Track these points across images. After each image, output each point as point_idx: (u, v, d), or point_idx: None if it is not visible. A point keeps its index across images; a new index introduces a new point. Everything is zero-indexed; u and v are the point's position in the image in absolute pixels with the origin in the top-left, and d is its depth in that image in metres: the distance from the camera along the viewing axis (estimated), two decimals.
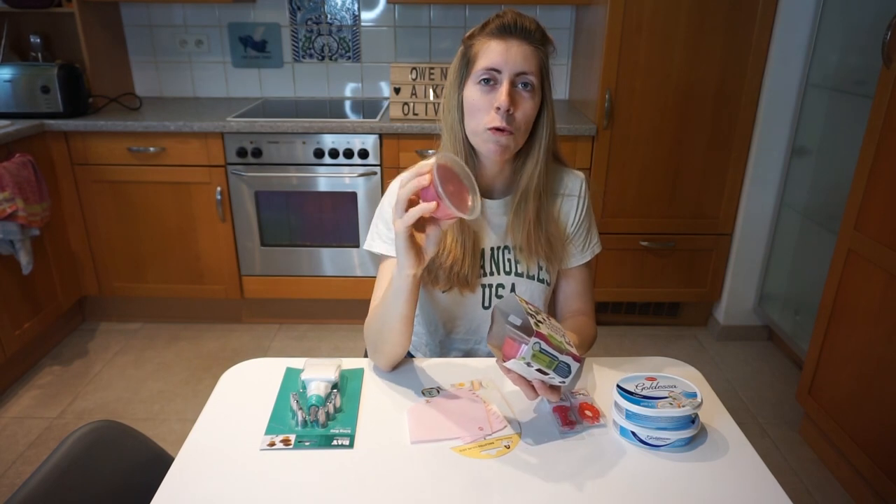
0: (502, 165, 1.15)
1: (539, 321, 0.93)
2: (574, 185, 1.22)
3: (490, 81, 1.05)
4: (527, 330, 0.94)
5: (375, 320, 1.09)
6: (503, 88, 1.04)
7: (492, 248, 1.19)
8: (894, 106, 1.66)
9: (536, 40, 1.06)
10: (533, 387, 0.92)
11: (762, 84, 2.39)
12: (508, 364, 0.90)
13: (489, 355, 1.28)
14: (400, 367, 1.13)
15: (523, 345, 0.89)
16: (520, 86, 1.05)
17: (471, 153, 1.13)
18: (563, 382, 0.92)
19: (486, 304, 1.21)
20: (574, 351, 0.92)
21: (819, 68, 2.32)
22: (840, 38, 2.24)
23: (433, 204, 0.89)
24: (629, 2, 2.26)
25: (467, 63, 1.09)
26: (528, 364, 0.88)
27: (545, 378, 0.91)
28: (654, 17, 2.28)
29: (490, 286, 1.20)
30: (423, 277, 1.18)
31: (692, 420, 0.93)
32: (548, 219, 1.17)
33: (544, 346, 0.88)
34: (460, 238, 1.15)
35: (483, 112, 1.06)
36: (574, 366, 0.91)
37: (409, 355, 1.39)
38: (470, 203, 0.92)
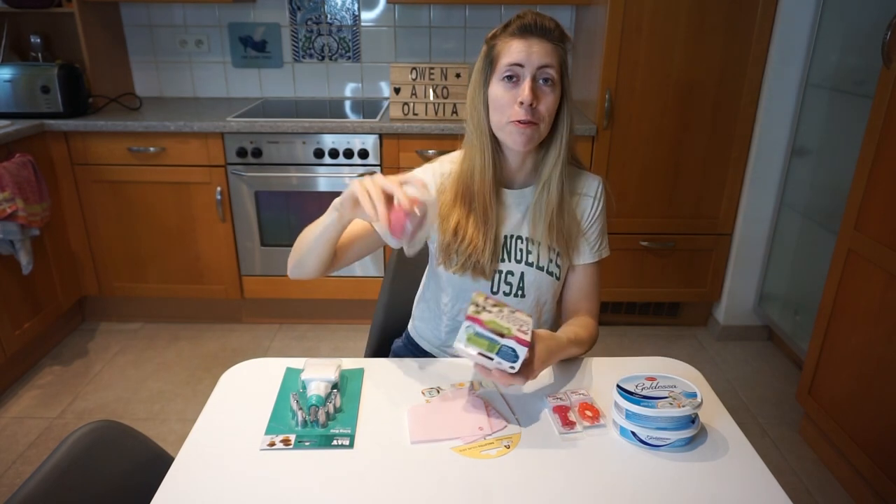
0: (525, 157, 1.20)
1: (483, 309, 0.96)
2: (591, 186, 1.26)
3: (513, 78, 1.11)
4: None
5: (307, 232, 1.18)
6: (526, 83, 1.09)
7: (506, 236, 1.22)
8: (894, 106, 1.66)
9: (556, 38, 1.12)
10: (491, 372, 0.95)
11: (762, 84, 2.39)
12: (454, 348, 0.93)
13: None
14: (400, 368, 1.13)
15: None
16: (541, 80, 1.11)
17: (497, 147, 1.18)
18: (513, 368, 0.92)
19: (495, 289, 1.23)
20: (524, 337, 0.93)
21: (819, 68, 2.32)
22: (840, 38, 2.24)
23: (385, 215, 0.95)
24: (629, 2, 2.26)
25: (491, 62, 1.14)
26: (466, 346, 0.92)
27: (490, 363, 0.92)
28: (654, 17, 2.28)
29: (500, 272, 1.22)
30: (438, 258, 1.23)
31: (692, 420, 0.93)
32: (568, 211, 1.21)
33: (478, 328, 0.92)
34: (482, 228, 1.18)
35: (507, 107, 1.11)
36: (521, 350, 0.91)
37: (416, 346, 1.39)
38: (407, 232, 0.97)
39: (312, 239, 1.14)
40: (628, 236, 2.61)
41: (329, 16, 2.91)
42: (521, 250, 1.22)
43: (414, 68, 2.45)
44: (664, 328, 2.84)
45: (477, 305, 0.97)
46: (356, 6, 2.89)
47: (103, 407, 2.26)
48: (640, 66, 2.35)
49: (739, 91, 2.38)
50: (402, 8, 2.89)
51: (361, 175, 2.50)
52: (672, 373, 1.01)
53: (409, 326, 1.43)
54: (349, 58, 2.97)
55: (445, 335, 1.31)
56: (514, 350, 0.92)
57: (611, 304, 2.79)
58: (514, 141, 1.13)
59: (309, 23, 2.92)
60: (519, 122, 1.10)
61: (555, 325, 1.32)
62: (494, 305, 1.00)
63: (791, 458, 2.04)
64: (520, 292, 1.23)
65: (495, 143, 1.17)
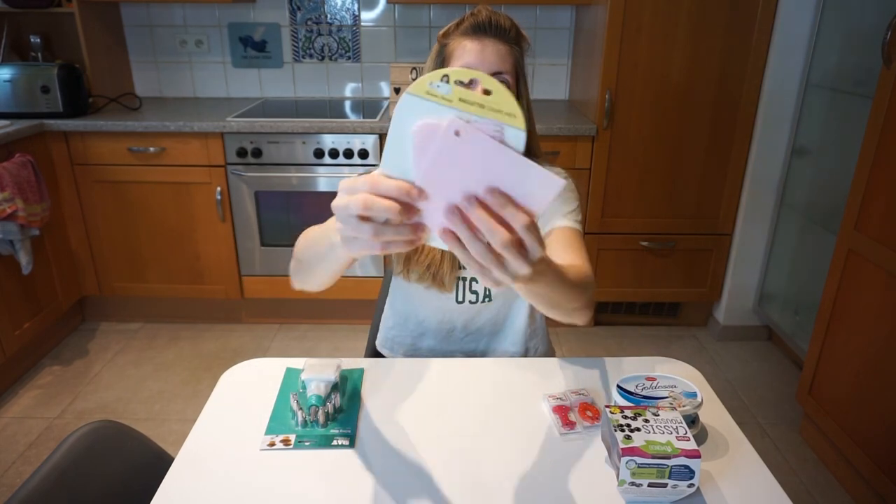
0: None
1: (633, 430, 0.83)
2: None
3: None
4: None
5: (306, 249, 0.98)
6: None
7: None
8: (894, 106, 1.66)
9: (511, 39, 1.06)
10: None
11: (762, 84, 2.39)
12: (622, 494, 0.82)
13: (466, 354, 1.27)
14: (400, 367, 1.13)
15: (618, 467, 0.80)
16: None
17: None
18: (692, 486, 0.81)
19: (460, 298, 1.20)
20: (689, 445, 0.81)
21: (819, 68, 2.32)
22: (840, 38, 2.24)
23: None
24: (629, 2, 2.26)
25: (442, 62, 1.09)
26: (635, 484, 0.80)
27: (665, 489, 0.81)
28: (654, 17, 2.28)
29: (465, 279, 1.19)
30: (396, 268, 1.19)
31: (692, 420, 0.93)
32: None
33: (640, 459, 0.79)
34: None
35: None
36: (695, 463, 0.79)
37: (380, 355, 1.38)
38: None
39: (316, 257, 0.92)
40: (628, 236, 2.61)
41: (329, 16, 2.91)
42: None
43: (414, 68, 2.46)
44: (664, 328, 2.84)
45: (622, 430, 0.82)
46: (356, 6, 2.89)
47: (103, 407, 2.26)
48: (640, 67, 2.35)
49: (739, 91, 2.38)
50: (402, 8, 2.89)
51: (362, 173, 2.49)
52: (672, 373, 1.01)
53: (378, 339, 1.37)
54: (349, 58, 2.97)
55: (412, 340, 1.28)
56: (687, 467, 0.79)
57: (611, 304, 2.79)
58: None
59: (309, 23, 2.92)
60: None
61: (528, 318, 1.26)
62: (635, 416, 0.85)
63: (791, 458, 2.04)
64: (486, 299, 1.20)
65: None
